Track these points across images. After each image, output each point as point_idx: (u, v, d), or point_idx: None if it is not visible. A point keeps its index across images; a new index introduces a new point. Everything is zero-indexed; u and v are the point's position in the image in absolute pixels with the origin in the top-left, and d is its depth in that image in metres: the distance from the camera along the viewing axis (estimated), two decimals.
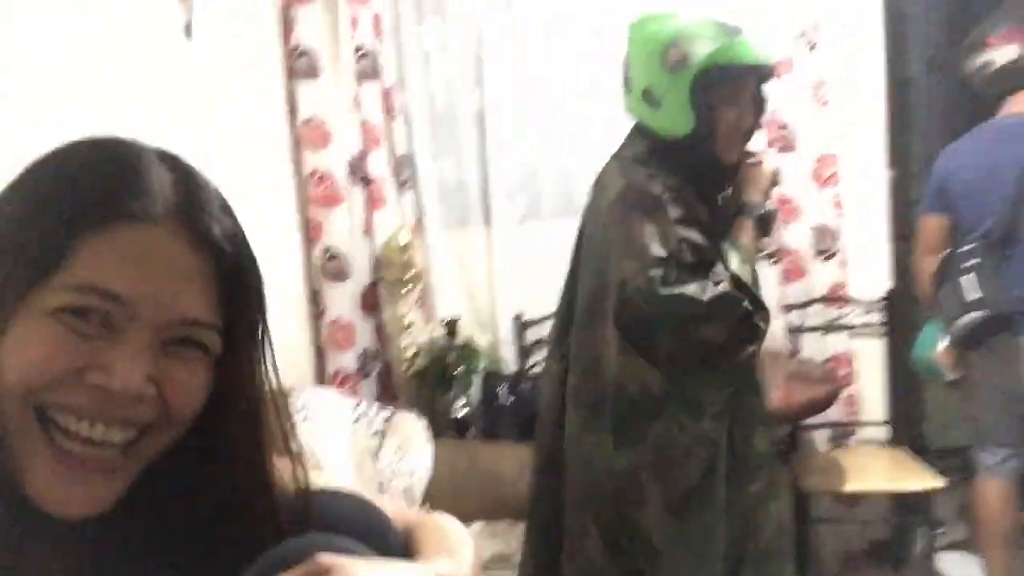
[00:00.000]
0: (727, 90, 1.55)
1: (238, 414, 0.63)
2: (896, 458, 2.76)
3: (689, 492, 1.55)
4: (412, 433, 2.60)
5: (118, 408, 0.55)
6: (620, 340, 1.53)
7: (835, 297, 2.84)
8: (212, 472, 0.63)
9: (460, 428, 2.84)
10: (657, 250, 1.46)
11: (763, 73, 1.59)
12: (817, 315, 2.86)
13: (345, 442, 2.42)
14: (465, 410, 2.84)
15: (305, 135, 2.82)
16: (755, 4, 2.65)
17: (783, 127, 2.77)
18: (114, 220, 0.55)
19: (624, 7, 2.77)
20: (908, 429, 3.01)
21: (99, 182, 0.56)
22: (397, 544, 0.67)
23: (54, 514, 0.55)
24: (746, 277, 1.50)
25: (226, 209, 0.61)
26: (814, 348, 2.87)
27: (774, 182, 1.64)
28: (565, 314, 1.72)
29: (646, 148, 1.62)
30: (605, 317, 1.55)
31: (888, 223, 2.89)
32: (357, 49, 2.80)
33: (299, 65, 2.78)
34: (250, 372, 0.63)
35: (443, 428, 2.82)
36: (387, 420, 2.59)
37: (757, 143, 1.82)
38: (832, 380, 2.69)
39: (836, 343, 2.86)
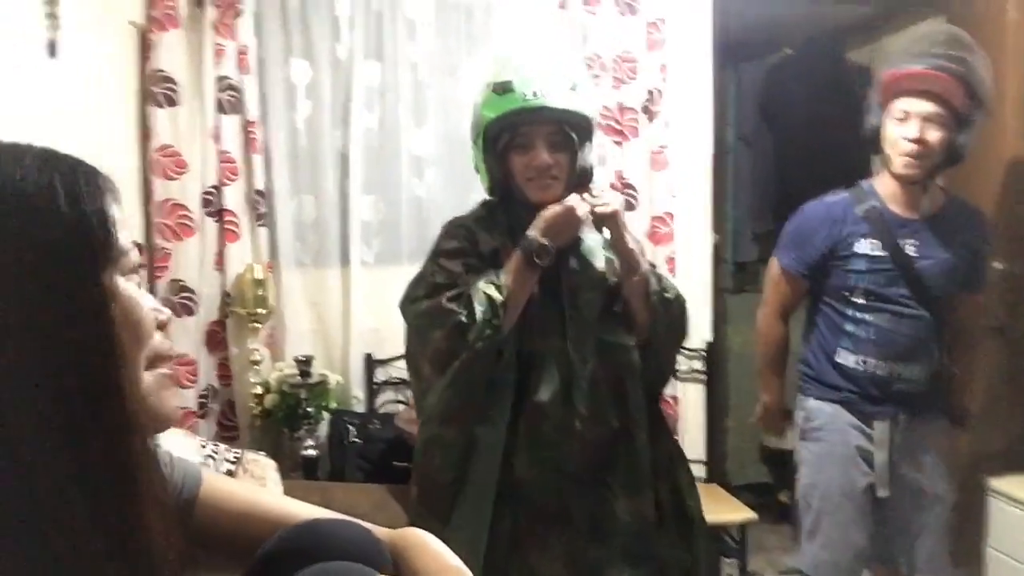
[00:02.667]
0: (511, 138, 1.64)
1: None
2: (713, 493, 3.04)
3: (442, 499, 1.63)
4: (262, 473, 2.55)
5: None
6: None
7: None
8: None
9: (307, 468, 2.81)
10: (416, 275, 1.72)
11: (544, 115, 1.62)
12: None
13: None
14: (314, 450, 2.81)
15: (158, 162, 2.73)
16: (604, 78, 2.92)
17: (628, 187, 3.02)
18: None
19: (487, 57, 2.97)
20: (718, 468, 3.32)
21: (93, 170, 0.68)
22: (388, 563, 0.73)
23: (172, 423, 0.70)
24: (497, 295, 1.58)
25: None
26: None
27: (566, 218, 1.62)
28: None
29: (485, 205, 1.80)
30: None
31: (711, 280, 3.21)
32: (220, 80, 2.76)
33: (157, 91, 2.70)
34: None
35: (288, 469, 2.78)
36: (236, 460, 2.52)
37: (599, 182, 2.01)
38: None
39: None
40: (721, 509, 2.91)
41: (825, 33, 3.86)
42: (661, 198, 3.05)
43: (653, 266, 1.78)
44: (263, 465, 2.58)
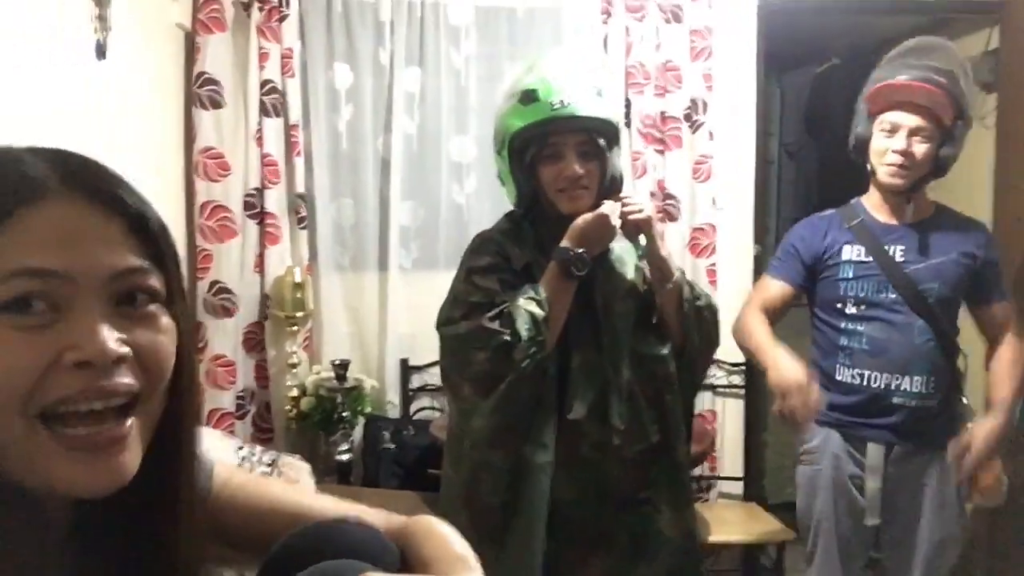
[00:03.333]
0: (540, 149, 1.59)
1: (189, 379, 0.65)
2: (751, 512, 2.98)
3: (494, 523, 1.57)
4: (296, 477, 2.55)
5: (105, 377, 0.56)
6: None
7: None
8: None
9: (341, 473, 2.81)
10: (449, 295, 1.66)
11: (573, 124, 1.57)
12: None
13: None
14: (348, 455, 2.81)
15: (202, 164, 2.75)
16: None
17: (670, 197, 2.98)
18: (14, 209, 0.55)
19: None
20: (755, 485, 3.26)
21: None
22: (395, 561, 0.71)
23: (84, 495, 0.57)
24: (539, 311, 1.54)
25: (110, 171, 0.62)
26: None
27: (600, 226, 1.58)
28: None
29: (510, 217, 1.74)
30: None
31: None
32: (264, 84, 2.78)
33: (202, 94, 2.73)
34: (188, 324, 0.65)
35: (323, 473, 2.78)
36: (271, 463, 2.53)
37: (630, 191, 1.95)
38: (699, 435, 2.88)
39: (702, 401, 3.06)
40: (758, 528, 2.86)
41: (873, 43, 3.79)
42: (703, 209, 3.01)
43: (682, 272, 1.72)
44: (298, 468, 2.58)
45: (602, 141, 1.61)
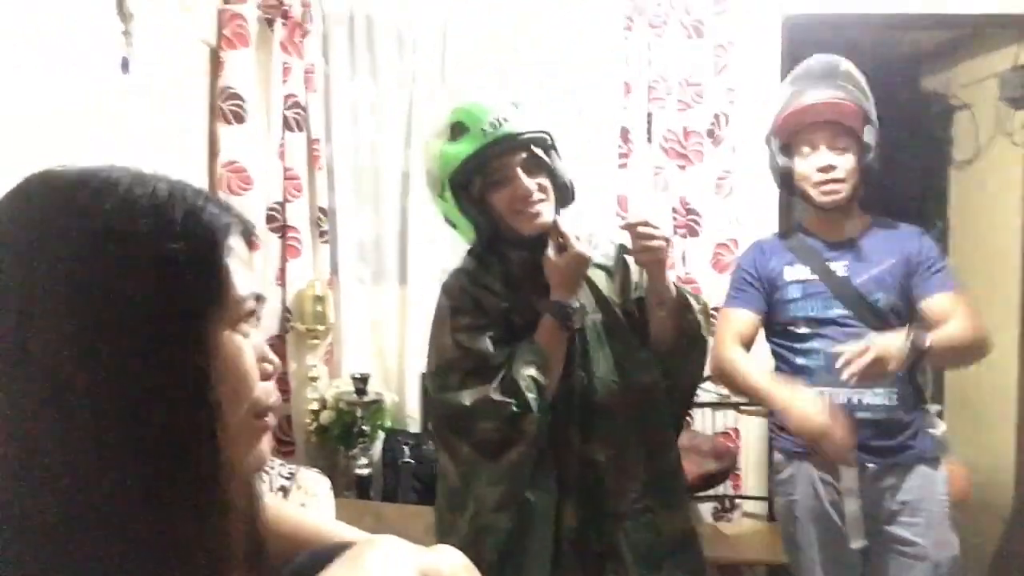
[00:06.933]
0: (484, 178, 1.55)
1: None
2: (774, 532, 2.93)
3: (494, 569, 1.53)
4: (315, 491, 2.54)
5: (273, 391, 0.68)
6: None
7: None
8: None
9: (361, 487, 2.80)
10: (437, 359, 1.57)
11: (511, 144, 1.53)
12: (707, 392, 3.03)
13: None
14: (367, 469, 2.80)
15: (224, 178, 2.77)
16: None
17: (691, 212, 2.96)
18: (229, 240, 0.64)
19: (553, 79, 2.96)
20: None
21: (208, 207, 0.63)
22: None
23: (263, 466, 0.69)
24: (541, 378, 1.51)
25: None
26: (704, 423, 3.03)
27: (582, 265, 1.54)
28: None
29: (471, 255, 1.67)
30: None
31: None
32: (287, 98, 2.80)
33: (225, 108, 2.75)
34: None
35: (342, 487, 2.77)
36: (290, 476, 2.53)
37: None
38: (722, 453, 2.85)
39: (724, 419, 3.03)
40: (782, 549, 2.80)
41: (899, 58, 3.76)
42: (725, 224, 2.99)
43: (678, 290, 1.66)
44: (317, 482, 2.58)
45: (541, 153, 1.57)
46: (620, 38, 2.96)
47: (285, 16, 2.80)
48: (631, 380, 1.62)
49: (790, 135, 2.06)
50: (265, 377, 0.66)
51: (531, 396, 1.48)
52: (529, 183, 1.53)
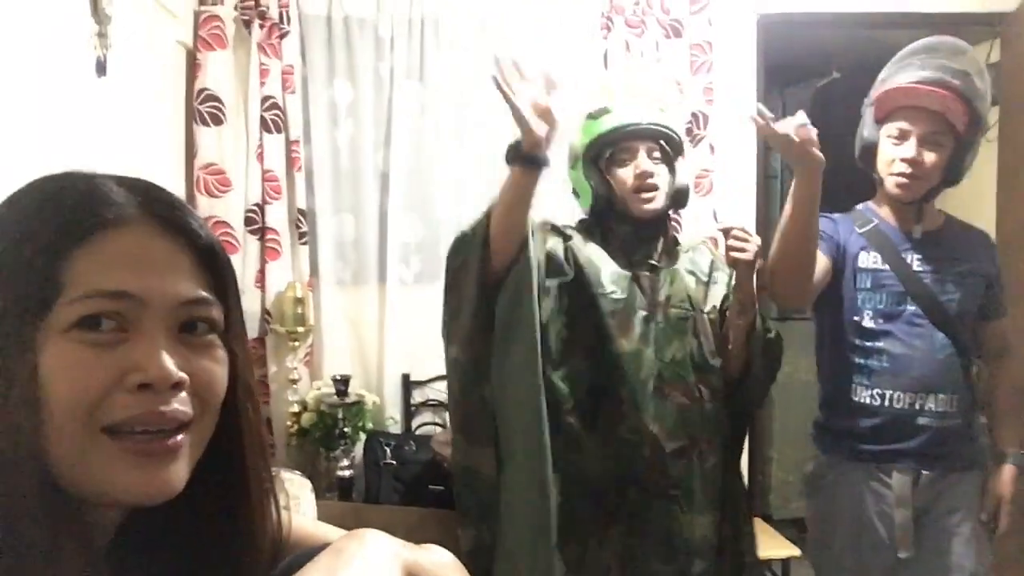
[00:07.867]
0: (610, 157, 1.77)
1: (244, 400, 0.67)
2: (756, 528, 2.94)
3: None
4: (297, 493, 2.54)
5: (163, 402, 0.58)
6: None
7: None
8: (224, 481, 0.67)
9: (342, 489, 2.79)
10: None
11: (643, 132, 1.75)
12: None
13: None
14: (349, 471, 2.79)
15: (203, 180, 2.76)
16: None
17: None
18: (95, 231, 0.58)
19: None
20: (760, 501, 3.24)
21: (70, 204, 0.60)
22: None
23: (138, 503, 0.60)
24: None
25: (185, 204, 0.65)
26: None
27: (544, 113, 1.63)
28: None
29: (581, 223, 1.89)
30: None
31: None
32: (264, 100, 2.79)
33: (203, 110, 2.74)
34: (244, 351, 0.68)
35: (323, 489, 2.76)
36: None
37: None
38: None
39: None
40: (763, 544, 2.79)
41: (877, 57, 3.78)
42: (704, 223, 3.00)
43: (756, 307, 1.77)
44: (298, 485, 2.57)
45: (669, 149, 1.78)
46: (599, 39, 2.97)
47: (262, 17, 2.79)
48: (696, 376, 1.74)
49: (885, 111, 1.90)
50: (143, 387, 0.58)
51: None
52: (649, 164, 1.74)
